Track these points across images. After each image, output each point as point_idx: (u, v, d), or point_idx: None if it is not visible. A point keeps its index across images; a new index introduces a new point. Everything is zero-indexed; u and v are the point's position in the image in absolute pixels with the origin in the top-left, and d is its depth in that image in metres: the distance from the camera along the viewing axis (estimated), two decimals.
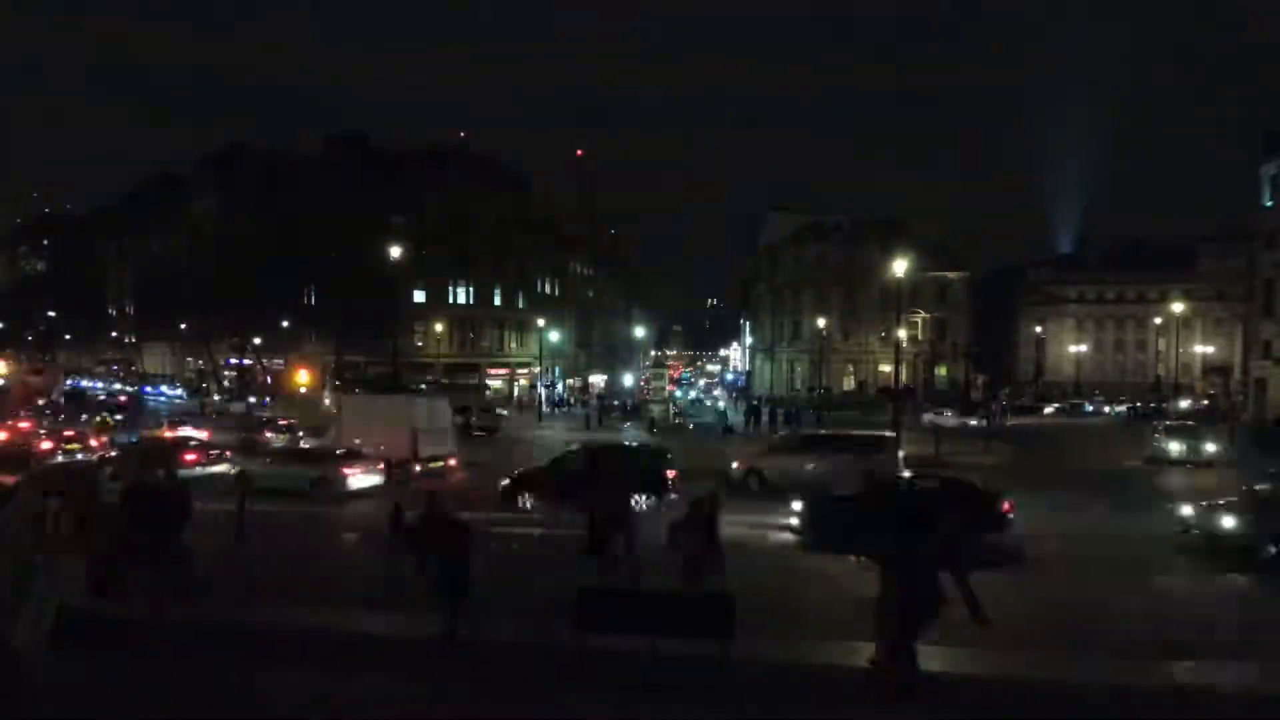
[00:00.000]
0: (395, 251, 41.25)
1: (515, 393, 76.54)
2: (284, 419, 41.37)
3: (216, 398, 67.75)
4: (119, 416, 41.88)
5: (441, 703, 9.14)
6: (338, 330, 69.73)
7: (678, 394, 78.68)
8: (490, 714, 8.93)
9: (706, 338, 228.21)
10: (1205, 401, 71.26)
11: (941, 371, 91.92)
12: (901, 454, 26.64)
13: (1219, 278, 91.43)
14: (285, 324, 72.50)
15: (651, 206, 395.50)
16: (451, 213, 72.73)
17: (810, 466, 24.76)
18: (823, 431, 35.65)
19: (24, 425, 34.05)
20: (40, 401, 50.60)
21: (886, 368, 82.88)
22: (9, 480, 12.17)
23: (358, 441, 25.86)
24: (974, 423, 52.21)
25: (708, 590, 11.15)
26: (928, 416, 52.24)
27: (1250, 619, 13.08)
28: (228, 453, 28.99)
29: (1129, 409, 67.96)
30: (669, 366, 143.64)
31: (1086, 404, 76.25)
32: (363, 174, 72.12)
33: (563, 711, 8.95)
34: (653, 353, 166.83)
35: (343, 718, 8.77)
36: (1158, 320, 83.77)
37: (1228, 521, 16.79)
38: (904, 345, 66.72)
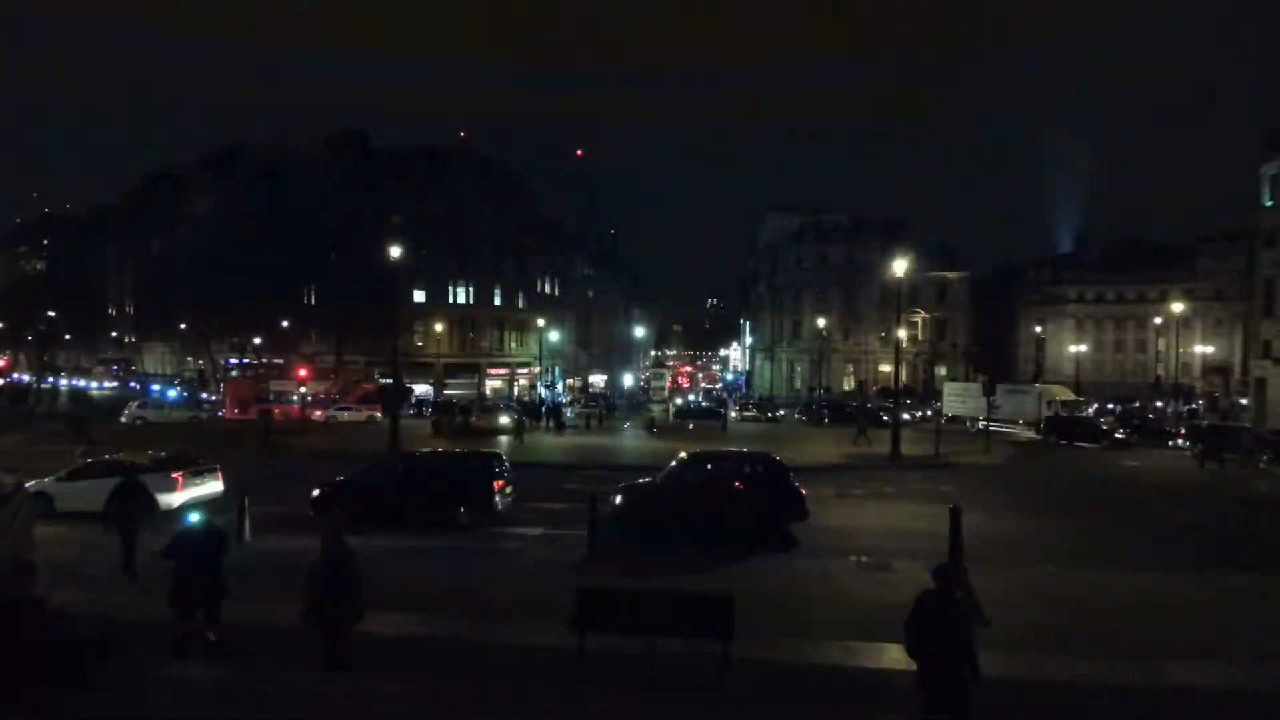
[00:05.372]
0: (395, 251, 41.09)
1: (515, 392, 76.55)
2: None
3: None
4: None
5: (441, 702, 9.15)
6: (338, 330, 69.71)
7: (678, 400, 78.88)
8: (490, 715, 8.93)
9: (706, 338, 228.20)
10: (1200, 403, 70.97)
11: (941, 371, 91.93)
12: None
13: (1219, 278, 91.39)
14: (285, 324, 72.45)
15: (651, 206, 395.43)
16: (451, 213, 72.70)
17: None
18: None
19: None
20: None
21: (886, 368, 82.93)
22: (9, 480, 12.15)
23: None
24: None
25: (709, 591, 11.15)
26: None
27: None
28: None
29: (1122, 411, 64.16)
30: (670, 367, 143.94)
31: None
32: (363, 174, 72.08)
33: (562, 712, 8.95)
34: (653, 353, 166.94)
35: (343, 717, 8.77)
36: (1158, 320, 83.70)
37: None
38: (904, 345, 66.73)
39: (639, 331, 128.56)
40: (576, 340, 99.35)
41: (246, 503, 17.16)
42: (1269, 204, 57.34)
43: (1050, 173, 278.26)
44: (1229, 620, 13.01)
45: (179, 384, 75.44)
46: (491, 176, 78.39)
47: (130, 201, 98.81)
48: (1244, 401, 66.56)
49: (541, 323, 78.20)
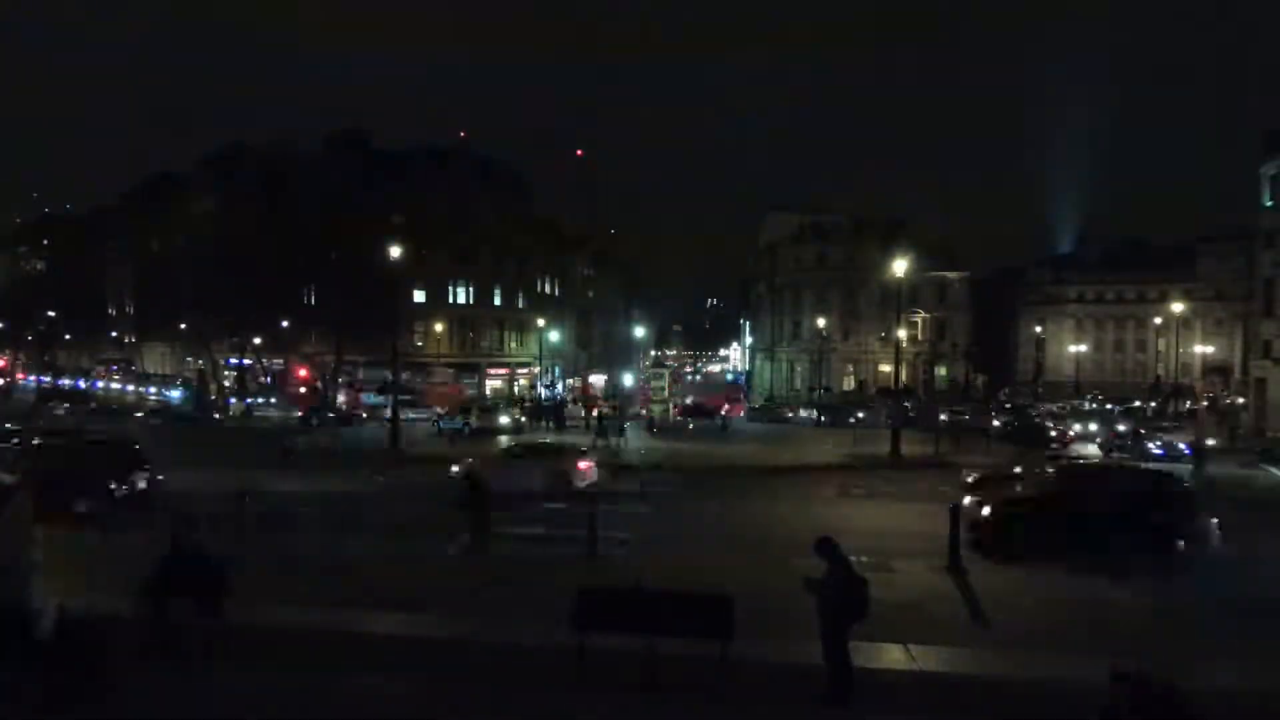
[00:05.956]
0: (395, 251, 41.17)
1: (515, 392, 76.59)
2: None
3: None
4: None
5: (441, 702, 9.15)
6: (338, 330, 69.67)
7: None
8: (490, 715, 8.93)
9: (706, 338, 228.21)
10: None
11: (941, 371, 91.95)
12: None
13: (1219, 278, 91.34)
14: (285, 324, 72.45)
15: (651, 206, 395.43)
16: (451, 213, 72.67)
17: None
18: None
19: None
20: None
21: (886, 368, 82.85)
22: (9, 480, 12.15)
23: None
24: None
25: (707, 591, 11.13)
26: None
27: None
28: None
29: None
30: (671, 367, 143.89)
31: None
32: (363, 174, 72.03)
33: (562, 712, 8.95)
34: (653, 353, 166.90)
35: (343, 717, 8.77)
36: (1157, 320, 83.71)
37: None
38: (904, 345, 66.69)
39: (639, 331, 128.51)
40: (576, 340, 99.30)
41: None
42: (1269, 204, 57.36)
43: (1050, 173, 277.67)
44: (1228, 619, 13.01)
45: (180, 384, 75.43)
46: (491, 176, 78.40)
47: (130, 201, 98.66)
48: (1241, 401, 66.58)
49: (541, 323, 78.22)
